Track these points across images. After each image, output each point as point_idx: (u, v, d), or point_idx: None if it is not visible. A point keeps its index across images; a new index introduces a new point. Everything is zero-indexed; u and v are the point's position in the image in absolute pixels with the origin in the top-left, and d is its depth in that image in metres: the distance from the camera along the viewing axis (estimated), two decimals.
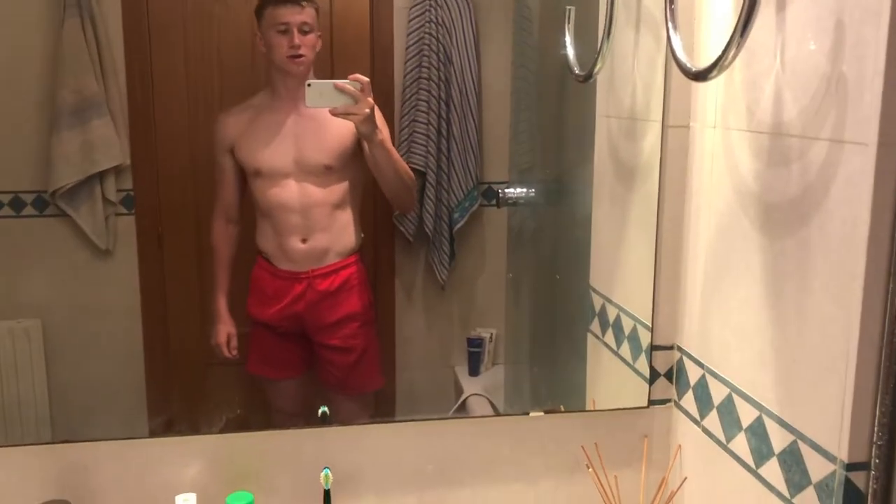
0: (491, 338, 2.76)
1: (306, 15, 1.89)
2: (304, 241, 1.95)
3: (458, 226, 2.73)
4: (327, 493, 1.14)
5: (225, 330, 1.92)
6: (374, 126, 1.80)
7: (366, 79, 1.72)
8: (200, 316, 2.69)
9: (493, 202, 2.80)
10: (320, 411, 1.50)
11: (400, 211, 2.57)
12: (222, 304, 1.91)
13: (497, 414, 1.61)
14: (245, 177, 2.00)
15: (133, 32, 2.61)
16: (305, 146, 1.96)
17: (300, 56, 1.87)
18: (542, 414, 1.29)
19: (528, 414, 1.32)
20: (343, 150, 1.95)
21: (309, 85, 1.71)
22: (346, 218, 2.00)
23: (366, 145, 1.92)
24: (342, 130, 1.94)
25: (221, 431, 1.31)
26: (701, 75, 0.94)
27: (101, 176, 2.52)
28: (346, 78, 1.73)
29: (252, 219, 2.11)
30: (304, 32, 1.88)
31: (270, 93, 2.06)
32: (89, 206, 2.50)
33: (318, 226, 1.95)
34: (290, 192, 1.92)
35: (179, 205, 2.70)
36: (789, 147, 0.93)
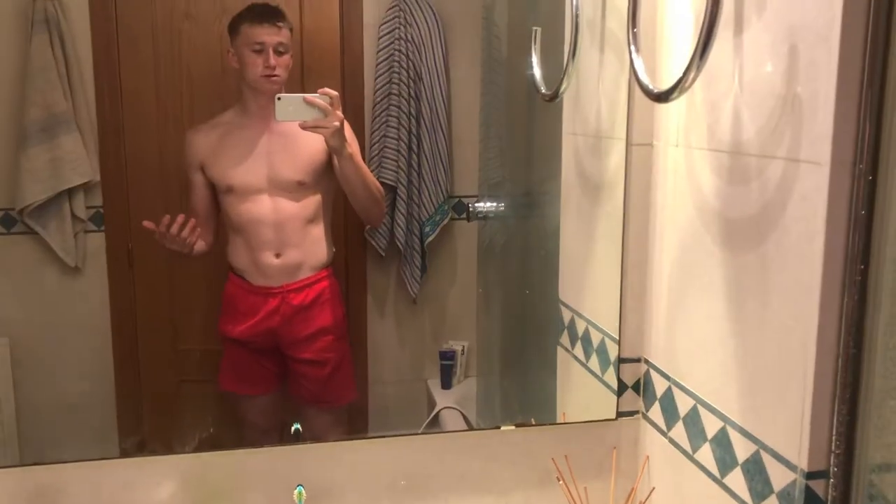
0: (463, 350, 2.77)
1: (282, 36, 1.90)
2: (277, 255, 1.95)
3: (429, 239, 2.74)
4: None
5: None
6: (344, 140, 1.81)
7: (335, 92, 1.74)
8: (171, 333, 2.67)
9: (464, 216, 2.82)
10: (293, 428, 1.50)
11: (369, 224, 2.57)
12: None
13: (469, 428, 1.63)
14: (215, 193, 2.00)
15: (102, 48, 2.60)
16: (278, 162, 1.96)
17: (275, 76, 1.88)
18: (513, 428, 1.31)
19: (499, 428, 1.33)
20: (315, 165, 1.96)
21: (279, 98, 1.71)
22: (319, 232, 2.01)
23: (335, 159, 1.93)
24: (314, 146, 1.95)
25: (194, 450, 1.31)
26: (662, 97, 0.97)
27: (70, 193, 2.49)
28: (315, 92, 1.74)
29: (223, 236, 2.11)
30: (279, 53, 1.89)
31: (241, 110, 2.06)
32: (58, 224, 2.47)
33: (291, 240, 1.96)
34: (263, 207, 1.92)
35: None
36: (748, 165, 0.96)
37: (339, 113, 1.74)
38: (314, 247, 2.03)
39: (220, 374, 1.95)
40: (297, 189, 1.99)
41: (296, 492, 1.15)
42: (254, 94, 1.96)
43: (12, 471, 1.19)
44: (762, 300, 0.94)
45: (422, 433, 1.46)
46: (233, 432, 1.84)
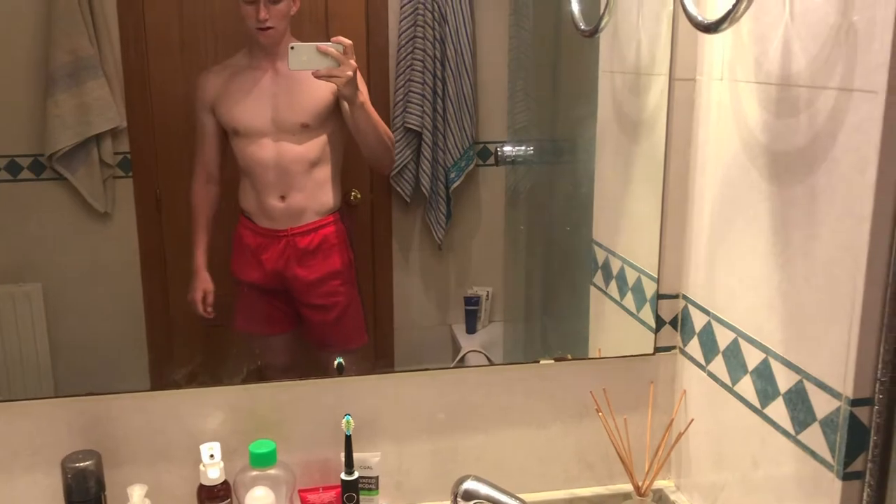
0: (487, 296, 2.80)
1: None
2: (282, 198, 1.96)
3: (455, 185, 2.74)
4: (349, 439, 1.18)
5: (201, 287, 1.95)
6: (356, 88, 1.80)
7: (348, 41, 1.73)
8: None
9: (490, 161, 2.81)
10: (336, 362, 1.53)
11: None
12: (200, 260, 1.95)
13: (509, 362, 1.65)
14: (226, 136, 2.01)
15: None
16: (282, 105, 1.97)
17: (268, 28, 1.87)
18: (552, 362, 1.33)
19: (538, 362, 1.36)
20: (320, 108, 1.96)
21: (292, 48, 1.71)
22: (324, 176, 2.02)
23: (346, 107, 1.93)
24: (320, 89, 1.95)
25: (236, 383, 1.34)
26: (712, 27, 0.96)
27: (98, 138, 2.51)
28: (330, 40, 1.73)
29: (235, 179, 2.12)
30: (273, 2, 1.88)
31: (248, 52, 2.05)
32: (87, 169, 2.49)
33: (295, 184, 1.97)
34: (267, 150, 1.93)
35: (177, 166, 2.69)
36: (797, 97, 0.95)
37: (353, 62, 1.74)
38: (319, 191, 2.04)
39: (235, 314, 1.99)
40: (300, 132, 1.99)
41: (344, 420, 1.18)
42: (256, 41, 1.96)
43: (66, 400, 1.23)
44: (810, 232, 0.95)
45: (463, 367, 1.48)
46: (266, 370, 1.87)
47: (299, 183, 1.97)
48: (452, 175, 2.74)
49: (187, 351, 2.41)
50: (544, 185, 1.89)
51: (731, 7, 0.92)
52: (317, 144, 1.98)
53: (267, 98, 1.94)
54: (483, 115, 2.88)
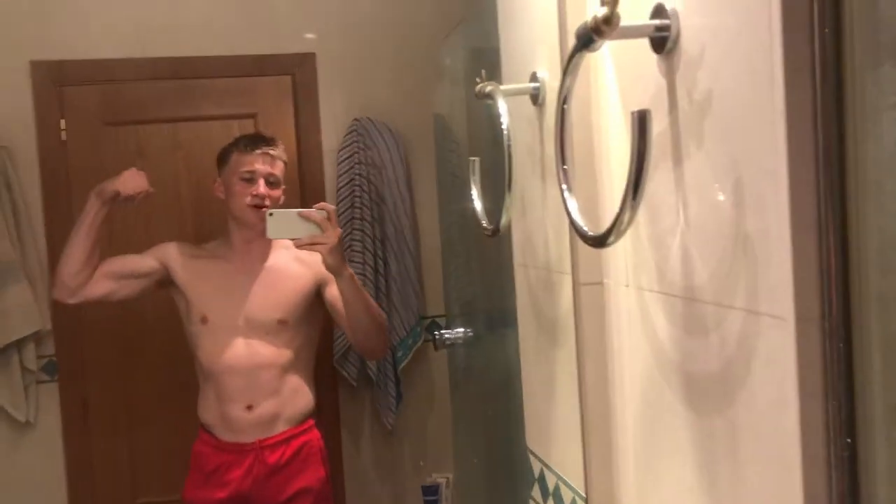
0: (447, 483, 2.57)
1: (275, 167, 1.79)
2: (249, 408, 1.77)
3: (403, 365, 2.58)
4: None
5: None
6: (343, 257, 1.66)
7: (332, 206, 1.60)
8: (131, 484, 2.49)
9: (433, 340, 2.64)
10: None
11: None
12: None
13: None
14: (143, 277, 1.88)
15: (52, 194, 2.52)
16: (257, 300, 1.82)
17: (263, 207, 1.74)
18: None
19: None
20: (298, 303, 1.80)
21: (270, 214, 1.57)
22: (299, 380, 1.84)
23: (329, 292, 1.77)
24: (299, 282, 1.80)
25: None
26: (599, 241, 0.84)
27: (20, 344, 2.36)
28: (313, 206, 1.60)
29: (194, 387, 1.94)
30: (270, 184, 1.78)
31: (225, 242, 1.92)
32: (6, 378, 2.33)
33: (265, 389, 1.78)
34: (236, 352, 1.76)
35: (106, 368, 2.53)
36: (704, 314, 0.82)
37: (338, 228, 1.59)
38: (293, 397, 1.85)
39: None
40: (276, 330, 1.84)
41: None
42: (238, 226, 1.82)
43: None
44: (736, 473, 0.79)
45: None
46: None
47: (270, 388, 1.79)
48: (400, 354, 2.58)
49: None
50: (483, 372, 1.74)
51: (613, 220, 0.81)
52: (293, 345, 1.82)
53: (241, 293, 1.80)
54: (430, 289, 2.75)
